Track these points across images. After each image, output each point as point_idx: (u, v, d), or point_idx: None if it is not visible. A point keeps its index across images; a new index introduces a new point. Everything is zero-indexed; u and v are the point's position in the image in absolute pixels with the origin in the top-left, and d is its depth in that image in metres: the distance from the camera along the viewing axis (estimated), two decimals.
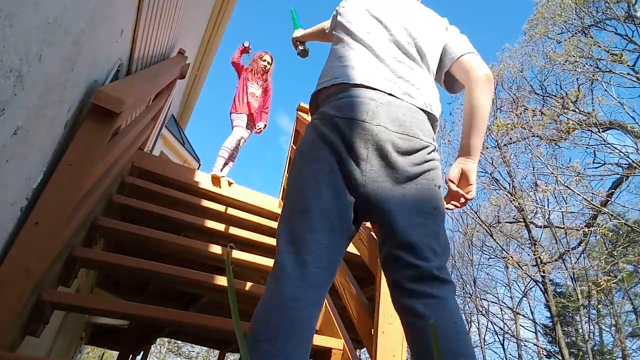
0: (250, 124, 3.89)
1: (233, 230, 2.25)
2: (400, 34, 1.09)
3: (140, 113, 2.26)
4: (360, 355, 4.23)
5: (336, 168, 0.89)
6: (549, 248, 11.14)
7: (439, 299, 0.79)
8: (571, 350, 11.68)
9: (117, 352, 4.80)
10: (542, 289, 10.70)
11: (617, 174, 7.79)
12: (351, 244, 2.22)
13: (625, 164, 7.54)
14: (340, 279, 1.90)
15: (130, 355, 4.62)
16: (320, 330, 1.85)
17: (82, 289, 2.78)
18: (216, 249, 1.97)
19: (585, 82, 8.57)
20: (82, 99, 1.39)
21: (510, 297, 13.61)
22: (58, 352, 3.58)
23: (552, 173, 8.24)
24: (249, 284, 1.81)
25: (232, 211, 2.51)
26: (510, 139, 10.06)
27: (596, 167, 8.03)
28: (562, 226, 9.58)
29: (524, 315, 12.63)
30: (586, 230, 8.13)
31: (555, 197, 9.53)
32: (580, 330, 11.64)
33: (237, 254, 2.01)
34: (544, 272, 9.70)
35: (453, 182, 1.02)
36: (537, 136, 9.21)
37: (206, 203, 2.45)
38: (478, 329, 14.15)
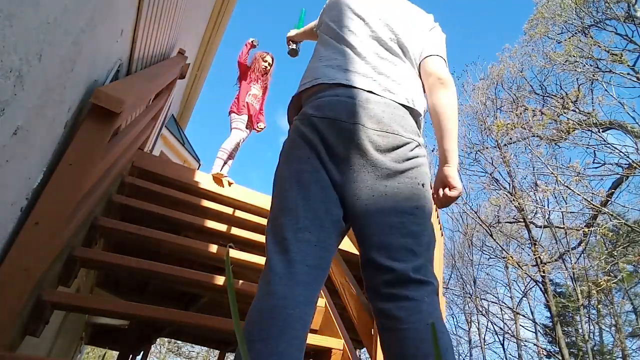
0: (249, 124, 3.89)
1: (233, 230, 2.25)
2: (382, 30, 1.09)
3: (140, 113, 2.26)
4: (360, 355, 4.23)
5: (319, 166, 0.89)
6: (549, 248, 11.15)
7: (415, 301, 0.79)
8: (571, 350, 11.68)
9: (117, 352, 4.80)
10: (542, 289, 10.70)
11: (617, 174, 7.79)
12: (351, 244, 2.23)
13: (625, 164, 7.54)
14: (340, 279, 1.90)
15: (130, 355, 4.62)
16: (320, 330, 1.85)
17: (82, 289, 2.78)
18: (216, 249, 1.97)
19: (585, 82, 8.57)
20: (82, 99, 1.39)
21: (510, 297, 13.61)
22: (58, 352, 3.58)
23: (552, 173, 8.24)
24: (248, 284, 1.82)
25: (232, 211, 2.51)
26: (510, 139, 10.07)
27: (596, 167, 8.04)
28: (562, 226, 9.58)
29: (524, 315, 12.64)
30: (586, 230, 8.13)
31: (555, 197, 9.54)
32: (580, 330, 11.64)
33: (237, 254, 2.01)
34: (544, 272, 9.70)
35: (434, 192, 1.02)
36: (537, 136, 9.21)
37: (206, 203, 2.45)
38: (478, 329, 14.16)
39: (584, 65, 8.25)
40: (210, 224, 2.20)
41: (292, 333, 0.73)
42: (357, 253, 1.91)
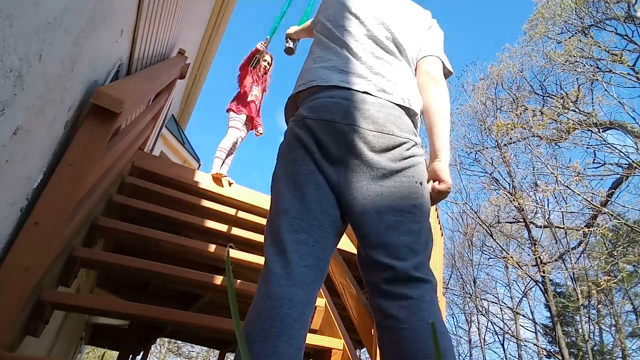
0: (248, 125, 3.88)
1: (233, 230, 2.25)
2: (378, 29, 1.08)
3: (140, 113, 2.26)
4: (360, 355, 4.23)
5: (314, 168, 0.90)
6: (549, 248, 11.16)
7: (414, 300, 0.79)
8: (571, 350, 11.68)
9: (117, 352, 4.80)
10: (542, 289, 10.71)
11: (617, 174, 7.79)
12: (351, 244, 2.23)
13: (625, 164, 7.54)
14: (340, 279, 1.90)
15: (130, 355, 4.62)
16: (320, 330, 1.85)
17: (82, 289, 2.78)
18: (216, 249, 1.97)
19: (585, 82, 8.58)
20: (82, 99, 1.39)
21: (510, 297, 13.62)
22: (58, 352, 3.58)
23: (552, 173, 8.24)
24: (248, 284, 1.82)
25: (232, 211, 2.51)
26: (510, 139, 10.07)
27: (596, 167, 8.04)
28: (562, 226, 9.58)
29: (524, 315, 12.64)
30: (586, 230, 8.13)
31: (555, 197, 9.54)
32: (580, 330, 11.64)
33: (237, 254, 2.01)
34: (544, 272, 9.71)
35: None
36: (537, 136, 9.22)
37: (206, 203, 2.45)
38: (478, 329, 14.16)
39: (584, 65, 8.25)
40: (210, 224, 2.20)
41: (290, 333, 0.73)
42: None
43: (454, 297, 14.73)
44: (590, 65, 8.19)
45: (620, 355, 11.48)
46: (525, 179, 10.59)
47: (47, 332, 2.11)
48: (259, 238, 2.27)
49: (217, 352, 5.42)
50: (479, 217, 11.35)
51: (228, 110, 3.78)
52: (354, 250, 2.15)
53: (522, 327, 13.08)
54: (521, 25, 11.12)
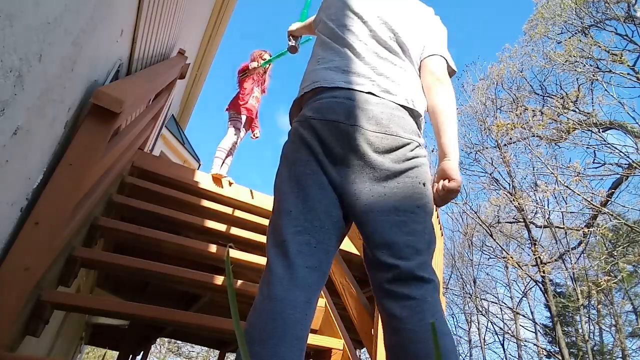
0: (247, 126, 3.88)
1: (233, 230, 2.25)
2: (381, 29, 1.08)
3: (140, 113, 2.26)
4: (360, 355, 4.23)
5: (318, 169, 0.89)
6: (549, 248, 11.16)
7: (417, 301, 0.79)
8: (571, 350, 11.68)
9: (117, 352, 4.80)
10: (542, 289, 10.71)
11: (617, 174, 7.79)
12: (351, 243, 2.23)
13: (625, 164, 7.54)
14: (340, 279, 1.90)
15: (130, 355, 4.62)
16: (320, 330, 1.85)
17: (82, 289, 2.78)
18: (216, 249, 1.97)
19: (585, 82, 8.58)
20: (82, 99, 1.39)
21: (510, 297, 13.62)
22: (58, 352, 3.58)
23: (552, 173, 8.24)
24: (248, 284, 1.82)
25: (232, 211, 2.51)
26: (510, 139, 10.07)
27: (596, 167, 8.04)
28: (562, 226, 9.59)
29: (524, 315, 12.64)
30: (586, 230, 8.13)
31: (555, 197, 9.55)
32: (580, 330, 11.64)
33: (237, 254, 2.01)
34: (543, 272, 9.71)
35: (433, 187, 1.00)
36: (537, 136, 9.22)
37: (206, 203, 2.45)
38: (478, 329, 14.16)
39: (584, 65, 8.25)
40: (210, 224, 2.20)
41: (292, 335, 0.73)
42: (357, 253, 1.92)
43: (454, 297, 14.74)
44: (590, 65, 8.20)
45: (620, 355, 11.48)
46: (525, 179, 10.61)
47: (47, 332, 2.11)
48: (259, 238, 2.27)
49: (217, 352, 5.42)
50: (479, 217, 11.35)
51: (228, 110, 3.78)
52: (354, 250, 2.15)
53: (522, 327, 13.09)
54: (521, 25, 11.14)
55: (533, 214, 10.64)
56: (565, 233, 9.82)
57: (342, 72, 0.99)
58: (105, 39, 1.48)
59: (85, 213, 1.53)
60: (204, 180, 2.77)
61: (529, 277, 10.51)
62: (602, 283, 7.34)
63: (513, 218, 11.24)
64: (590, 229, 8.04)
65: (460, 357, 14.49)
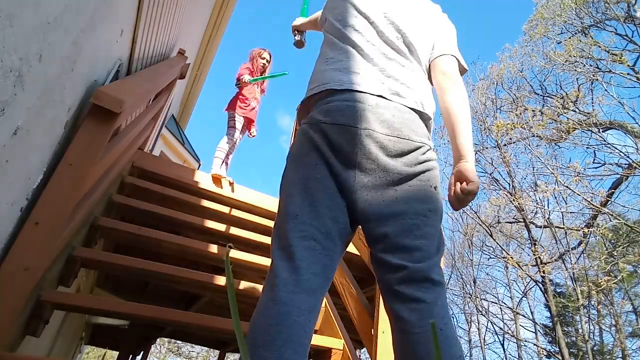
0: (246, 126, 3.88)
1: (233, 230, 2.25)
2: (389, 29, 1.07)
3: (140, 113, 2.26)
4: (360, 355, 4.23)
5: (327, 172, 0.88)
6: (549, 248, 11.16)
7: (427, 304, 0.78)
8: (571, 350, 11.68)
9: (117, 352, 4.80)
10: (542, 289, 10.71)
11: (617, 174, 7.80)
12: (351, 243, 2.22)
13: (625, 164, 7.54)
14: (340, 279, 1.90)
15: (130, 355, 4.62)
16: (320, 330, 1.85)
17: (82, 289, 2.78)
18: (216, 249, 1.97)
19: (585, 82, 8.58)
20: (82, 99, 1.39)
21: (510, 297, 13.62)
22: (58, 352, 3.58)
23: (552, 173, 8.25)
24: (248, 284, 1.81)
25: (232, 211, 2.51)
26: (510, 139, 10.07)
27: (596, 167, 8.04)
28: (562, 226, 9.59)
29: (524, 315, 12.64)
30: (586, 230, 8.13)
31: (555, 197, 9.55)
32: (580, 330, 11.64)
33: (237, 254, 2.01)
34: (543, 272, 9.71)
35: (450, 189, 0.99)
36: (537, 136, 9.22)
37: (206, 203, 2.45)
38: (478, 329, 14.16)
39: (584, 65, 8.25)
40: (210, 224, 2.20)
41: (297, 340, 0.72)
42: (357, 253, 1.91)
43: (454, 297, 14.74)
44: (590, 65, 8.20)
45: (620, 355, 11.48)
46: (525, 179, 10.61)
47: (47, 332, 2.11)
48: (259, 238, 2.27)
49: (217, 352, 5.42)
50: (479, 217, 11.35)
51: (227, 110, 3.77)
52: (354, 250, 2.15)
53: (522, 327, 13.09)
54: (521, 25, 11.14)
55: (533, 214, 10.65)
56: (565, 233, 9.83)
57: (352, 74, 0.98)
58: (105, 39, 1.48)
59: (85, 213, 1.53)
60: (203, 180, 2.77)
61: (529, 277, 10.52)
62: (602, 283, 7.34)
63: (513, 218, 11.25)
64: (590, 229, 8.04)
65: None
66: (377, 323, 1.38)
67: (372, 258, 0.90)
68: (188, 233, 2.22)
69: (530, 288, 12.53)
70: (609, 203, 7.95)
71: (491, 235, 11.25)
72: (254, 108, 3.83)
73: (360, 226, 0.93)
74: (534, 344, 12.31)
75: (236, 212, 2.52)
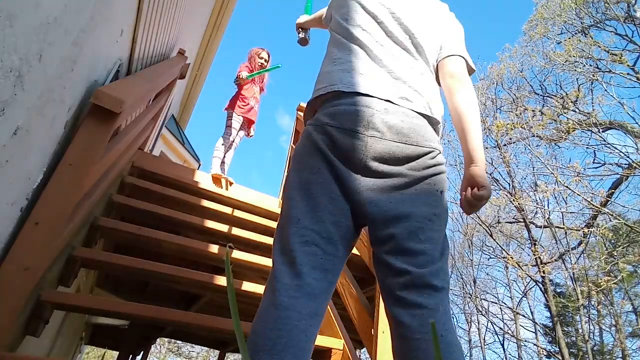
0: (245, 126, 3.88)
1: (233, 230, 2.25)
2: (397, 30, 1.05)
3: (140, 113, 2.26)
4: (360, 355, 4.23)
5: (331, 176, 0.87)
6: (549, 248, 11.16)
7: (428, 310, 0.77)
8: (571, 350, 11.68)
9: (117, 352, 4.80)
10: (542, 289, 10.71)
11: (617, 174, 7.79)
12: None
13: (625, 164, 7.54)
14: (340, 279, 1.90)
15: (130, 355, 4.62)
16: (320, 330, 1.84)
17: (82, 289, 2.78)
18: (216, 249, 1.97)
19: (585, 82, 8.58)
20: (82, 99, 1.39)
21: (510, 297, 13.62)
22: (58, 352, 3.58)
23: (552, 173, 8.24)
24: (248, 284, 1.81)
25: (232, 211, 2.51)
26: (510, 139, 10.07)
27: (596, 167, 8.04)
28: (562, 226, 9.58)
29: (524, 315, 12.64)
30: (586, 230, 8.13)
31: (555, 197, 9.55)
32: (580, 330, 11.64)
33: (237, 254, 2.01)
34: (543, 272, 9.71)
35: (461, 194, 0.98)
36: (537, 136, 9.22)
37: (206, 203, 2.45)
38: (478, 329, 14.16)
39: (584, 65, 8.25)
40: (210, 224, 2.20)
41: (298, 345, 0.72)
42: (357, 253, 1.92)
43: (454, 297, 14.73)
44: (590, 65, 8.20)
45: (620, 355, 11.48)
46: (525, 179, 10.60)
47: (47, 332, 2.11)
48: (259, 238, 2.27)
49: (217, 352, 5.42)
50: (479, 217, 11.33)
51: (227, 110, 3.78)
52: (354, 250, 2.15)
53: (522, 327, 13.09)
54: (521, 25, 11.14)
55: (533, 214, 10.65)
56: (565, 233, 9.83)
57: (360, 76, 0.97)
58: (105, 39, 1.48)
59: (85, 213, 1.53)
60: (203, 180, 2.77)
61: (529, 277, 10.51)
62: (602, 283, 7.33)
63: (513, 218, 11.24)
64: (590, 229, 8.04)
65: None
66: (377, 323, 1.38)
67: (375, 259, 0.89)
68: (188, 233, 2.22)
69: (530, 288, 12.54)
70: (609, 203, 7.95)
71: (491, 235, 11.25)
72: (252, 107, 3.83)
73: (364, 227, 0.92)
74: (534, 344, 12.31)
75: (236, 212, 2.52)
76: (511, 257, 10.27)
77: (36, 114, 1.01)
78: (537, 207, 10.07)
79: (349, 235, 0.88)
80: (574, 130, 8.24)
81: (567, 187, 7.79)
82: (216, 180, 2.90)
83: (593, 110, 8.30)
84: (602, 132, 8.13)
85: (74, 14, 1.09)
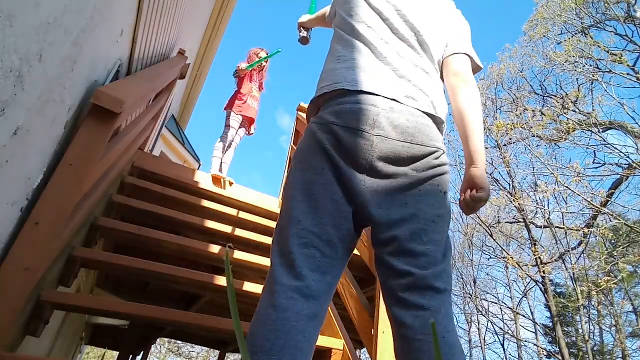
0: (245, 125, 3.88)
1: (233, 230, 2.25)
2: (403, 27, 1.04)
3: (140, 113, 2.26)
4: (360, 355, 4.23)
5: (333, 177, 0.86)
6: (549, 248, 11.16)
7: (430, 312, 0.77)
8: (571, 350, 11.69)
9: (117, 352, 4.80)
10: (542, 289, 10.71)
11: (617, 174, 7.79)
12: None
13: (625, 164, 7.54)
14: (340, 279, 1.90)
15: (130, 355, 4.61)
16: (321, 330, 1.84)
17: (82, 289, 2.78)
18: (216, 249, 1.97)
19: (585, 82, 8.58)
20: (82, 99, 1.39)
21: (510, 297, 13.62)
22: (58, 352, 3.58)
23: (552, 173, 8.24)
24: (248, 284, 1.81)
25: (232, 211, 2.51)
26: (510, 139, 10.07)
27: (596, 167, 8.05)
28: (562, 226, 9.59)
29: (524, 315, 12.64)
30: (586, 230, 8.14)
31: (555, 197, 9.55)
32: (580, 330, 11.65)
33: (237, 254, 2.01)
34: (543, 272, 9.71)
35: (461, 195, 0.97)
36: (537, 136, 9.22)
37: (206, 203, 2.45)
38: (478, 329, 14.16)
39: (584, 66, 8.25)
40: (210, 224, 2.20)
41: (294, 345, 0.72)
42: (357, 253, 1.92)
43: (454, 297, 14.72)
44: (590, 65, 8.20)
45: (620, 355, 11.48)
46: (525, 179, 10.61)
47: (47, 332, 2.11)
48: (259, 238, 2.27)
49: (217, 352, 5.42)
50: (479, 217, 11.34)
51: (226, 109, 3.78)
52: (354, 250, 2.15)
53: (522, 327, 13.09)
54: (521, 25, 11.14)
55: (533, 214, 10.65)
56: (565, 233, 9.83)
57: (364, 74, 0.96)
58: (105, 39, 1.48)
59: (85, 213, 1.53)
60: (203, 180, 2.77)
61: (529, 277, 10.52)
62: (602, 283, 7.33)
63: (513, 218, 11.25)
64: (590, 229, 8.04)
65: None
66: (377, 323, 1.38)
67: (377, 260, 0.89)
68: (188, 233, 2.22)
69: (530, 288, 12.54)
70: (609, 203, 7.95)
71: (491, 235, 11.26)
72: (251, 106, 3.83)
73: (365, 228, 0.92)
74: (534, 344, 12.31)
75: (236, 212, 2.52)
76: (511, 257, 10.27)
77: (36, 114, 1.01)
78: (537, 207, 10.07)
79: (349, 237, 0.87)
80: (573, 131, 8.24)
81: (567, 187, 7.79)
82: (216, 180, 2.90)
83: (593, 110, 8.31)
84: (602, 132, 8.13)
85: (74, 14, 1.09)
